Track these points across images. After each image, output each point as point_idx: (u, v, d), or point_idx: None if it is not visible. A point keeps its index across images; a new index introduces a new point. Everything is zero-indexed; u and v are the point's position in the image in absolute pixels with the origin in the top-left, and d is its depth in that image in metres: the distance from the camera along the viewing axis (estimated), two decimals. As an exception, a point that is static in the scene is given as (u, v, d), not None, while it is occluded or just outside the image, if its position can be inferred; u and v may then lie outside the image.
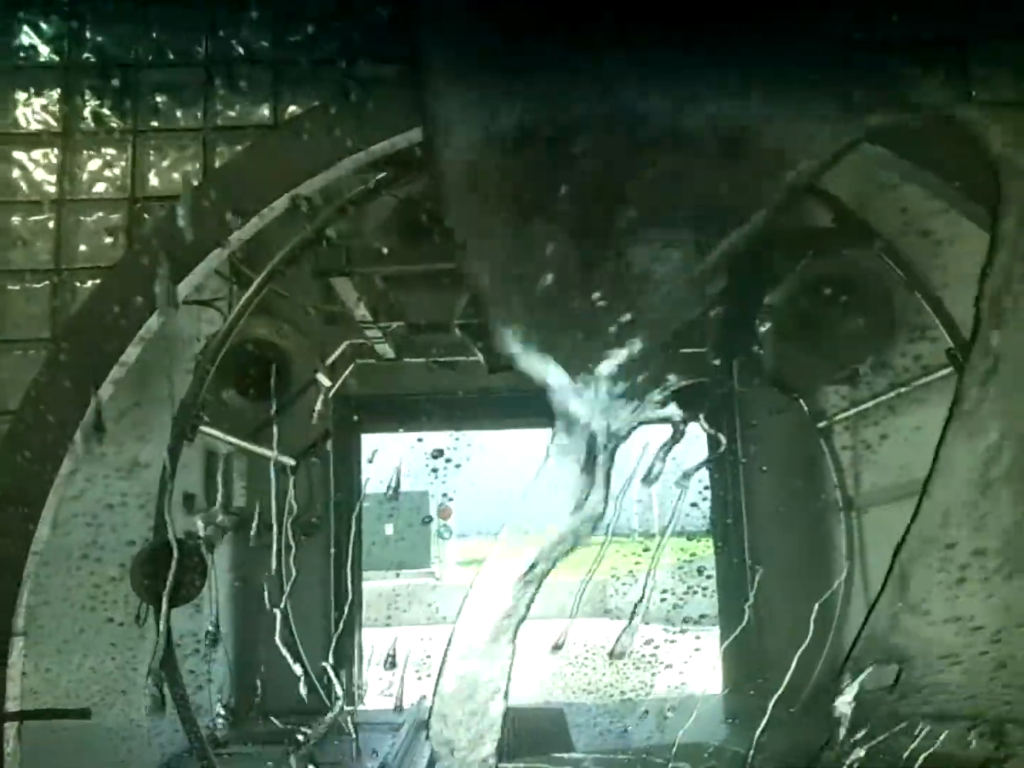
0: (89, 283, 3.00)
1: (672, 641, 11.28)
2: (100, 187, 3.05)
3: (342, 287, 5.59)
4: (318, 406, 6.40)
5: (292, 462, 7.14)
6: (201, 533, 6.97)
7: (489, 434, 10.88)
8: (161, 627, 4.59)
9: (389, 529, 18.46)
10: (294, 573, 7.39)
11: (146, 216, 3.03)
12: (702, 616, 10.98)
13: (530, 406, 7.89)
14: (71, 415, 2.86)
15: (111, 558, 5.02)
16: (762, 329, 6.51)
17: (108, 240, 3.01)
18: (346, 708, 7.98)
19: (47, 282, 2.97)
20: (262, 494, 7.65)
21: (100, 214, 3.02)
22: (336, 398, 7.94)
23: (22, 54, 3.09)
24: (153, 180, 3.06)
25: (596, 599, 15.94)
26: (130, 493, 5.46)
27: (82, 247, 3.02)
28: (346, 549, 8.37)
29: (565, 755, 6.74)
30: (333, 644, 8.05)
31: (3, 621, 2.73)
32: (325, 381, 6.46)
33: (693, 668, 9.51)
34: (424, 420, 8.98)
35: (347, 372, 7.52)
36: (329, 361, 6.77)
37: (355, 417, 8.36)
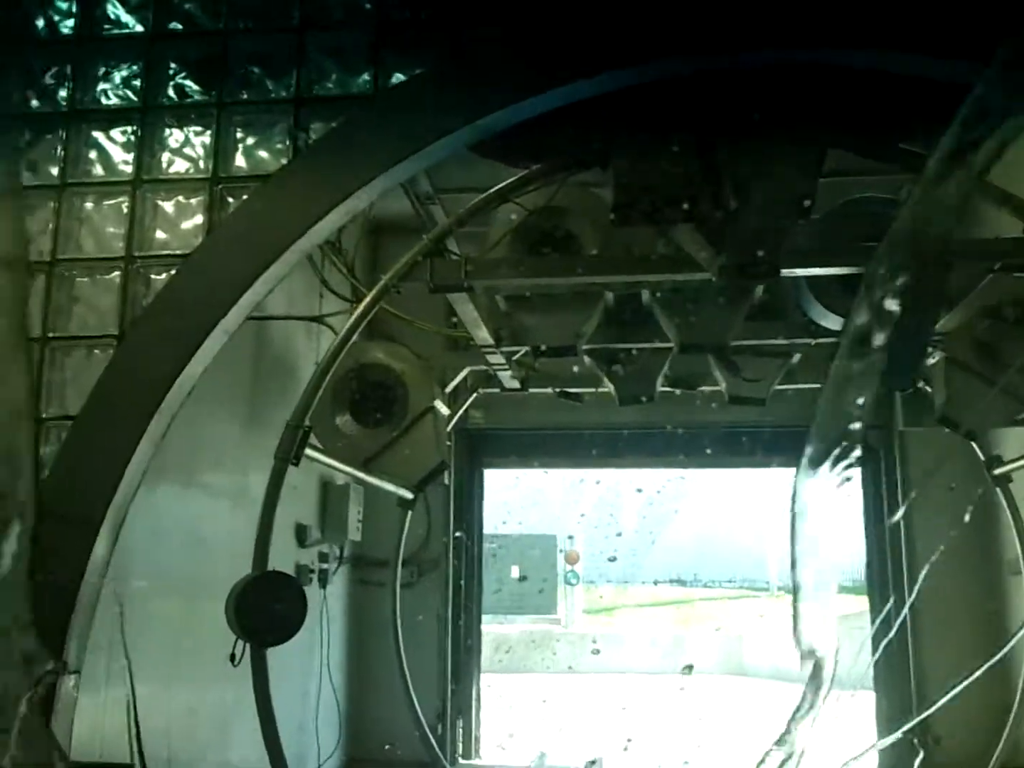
0: (164, 274, 2.65)
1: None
2: (180, 166, 2.70)
3: (461, 306, 5.19)
4: (437, 435, 5.98)
5: (409, 495, 6.74)
6: (313, 567, 6.66)
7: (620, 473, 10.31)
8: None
9: (515, 571, 18.02)
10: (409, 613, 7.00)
11: (229, 199, 2.66)
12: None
13: (663, 443, 7.35)
14: (137, 424, 2.49)
15: (211, 592, 4.70)
16: (931, 360, 5.76)
17: (187, 225, 2.66)
18: (460, 761, 7.50)
19: (117, 272, 2.63)
20: (378, 529, 7.32)
21: (179, 197, 2.67)
22: (456, 430, 7.56)
23: (106, 25, 2.79)
24: (238, 159, 2.70)
25: (732, 655, 15.02)
26: (237, 523, 5.16)
27: (158, 233, 2.68)
28: (466, 590, 7.93)
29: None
30: (450, 692, 7.59)
31: (49, 653, 2.35)
32: (443, 409, 6.06)
33: (839, 740, 8.62)
34: (548, 456, 8.52)
35: (469, 401, 7.14)
36: (449, 388, 6.37)
37: (476, 450, 7.97)
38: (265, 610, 4.22)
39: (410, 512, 7.03)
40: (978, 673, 3.79)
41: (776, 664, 15.14)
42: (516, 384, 6.72)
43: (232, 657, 4.31)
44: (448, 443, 6.44)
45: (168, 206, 2.67)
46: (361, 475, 6.01)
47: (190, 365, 2.54)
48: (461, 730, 7.61)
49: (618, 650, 16.12)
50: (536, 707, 11.14)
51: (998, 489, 6.45)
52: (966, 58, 2.52)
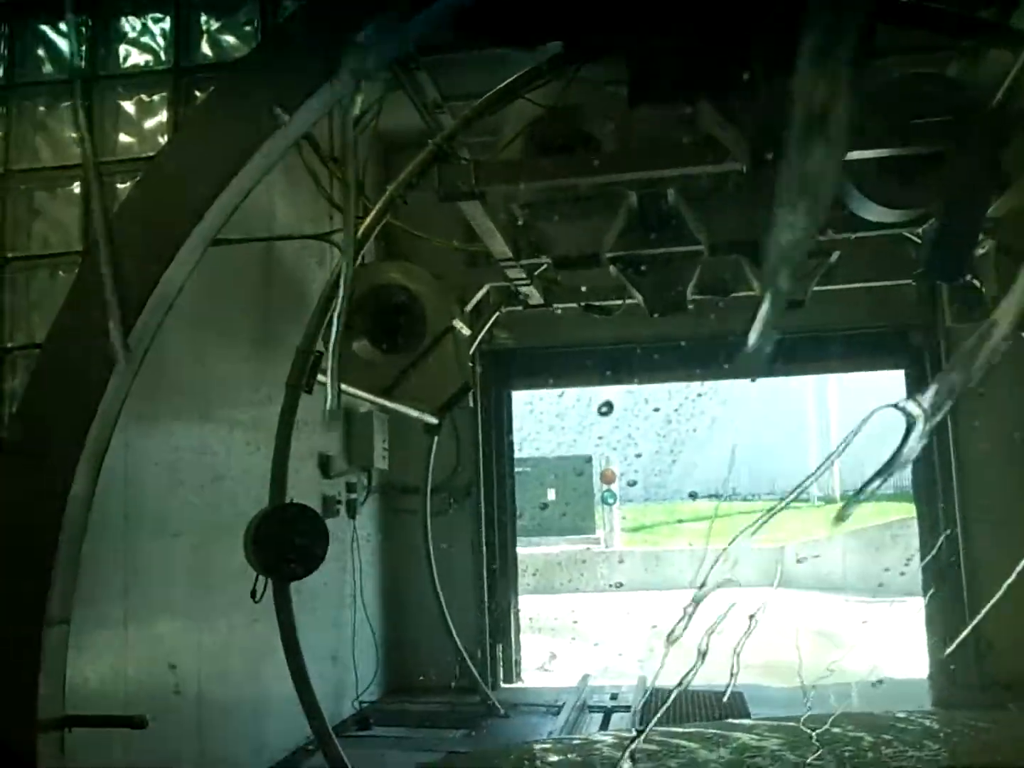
0: (130, 182, 2.37)
1: (864, 621, 10.19)
2: (138, 59, 2.41)
3: (474, 215, 4.88)
4: (459, 357, 5.72)
5: (434, 420, 6.53)
6: (340, 497, 6.50)
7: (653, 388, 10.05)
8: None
9: (551, 494, 17.93)
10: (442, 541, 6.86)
11: (196, 92, 2.37)
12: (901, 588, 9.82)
13: (697, 355, 7.04)
14: (108, 348, 2.24)
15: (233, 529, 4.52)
16: (981, 251, 5.36)
17: (151, 124, 2.38)
18: (502, 686, 7.42)
19: (78, 182, 2.36)
20: (407, 457, 7.13)
21: (141, 94, 2.39)
22: (481, 351, 7.31)
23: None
24: (204, 48, 2.40)
25: (774, 567, 14.86)
26: (258, 456, 4.96)
27: (122, 136, 2.40)
28: (498, 514, 7.76)
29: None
30: (487, 616, 7.48)
31: (32, 607, 2.15)
32: (464, 330, 5.79)
33: (891, 649, 8.44)
34: (580, 374, 8.23)
35: (491, 320, 6.86)
36: (469, 307, 6.09)
37: (503, 372, 7.71)
38: (284, 544, 4.04)
39: (436, 438, 6.84)
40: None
41: (818, 574, 15.00)
42: (539, 300, 6.42)
43: (253, 593, 4.16)
44: (472, 364, 6.18)
45: (129, 105, 2.38)
46: (382, 401, 5.78)
47: (165, 280, 2.28)
48: (501, 654, 7.50)
49: (658, 567, 16.06)
50: (580, 627, 11.08)
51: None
52: None
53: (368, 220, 4.32)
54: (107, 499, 3.95)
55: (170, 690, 4.19)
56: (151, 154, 2.36)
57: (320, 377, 4.55)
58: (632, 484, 18.33)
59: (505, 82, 4.25)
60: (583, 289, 6.46)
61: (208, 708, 4.48)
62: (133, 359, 2.29)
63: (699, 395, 13.10)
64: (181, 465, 4.45)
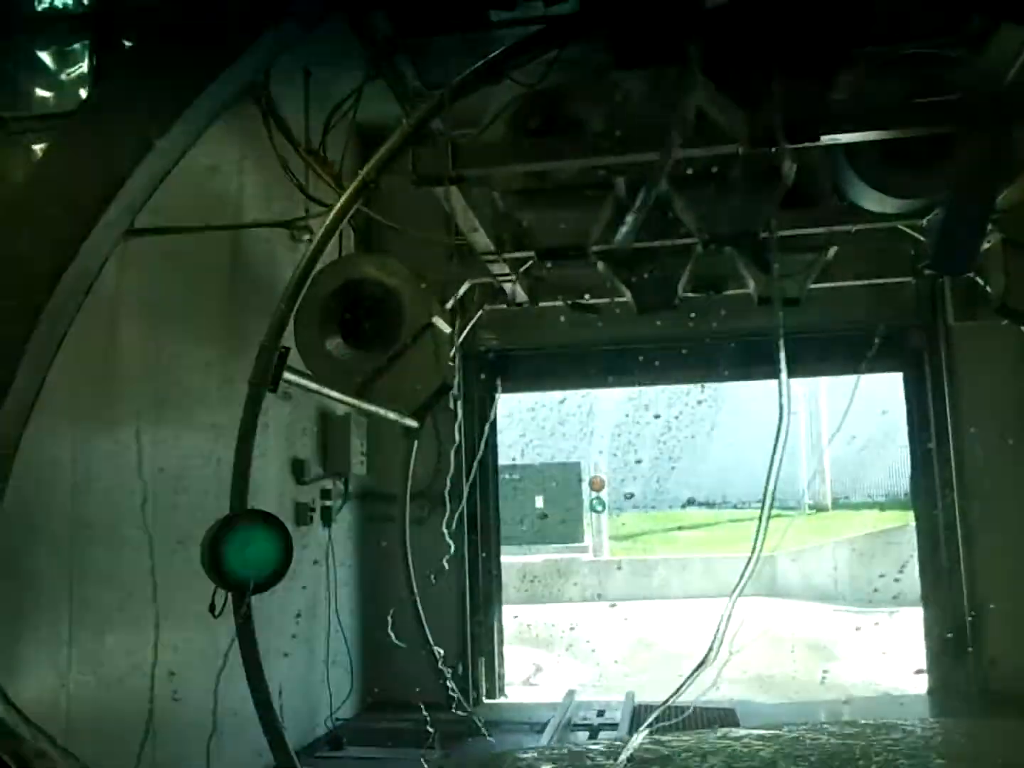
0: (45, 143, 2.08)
1: (857, 627, 9.93)
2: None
3: (455, 205, 4.59)
4: (438, 356, 5.42)
5: (414, 424, 6.23)
6: (314, 505, 6.19)
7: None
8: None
9: (539, 502, 17.61)
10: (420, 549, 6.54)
11: (125, 43, 2.07)
12: (895, 598, 9.56)
13: (685, 357, 6.75)
14: (16, 333, 1.95)
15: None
16: (987, 244, 5.09)
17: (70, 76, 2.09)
18: (485, 701, 7.11)
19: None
20: (387, 462, 6.83)
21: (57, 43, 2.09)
22: (465, 353, 7.02)
23: None
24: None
25: (765, 577, 14.60)
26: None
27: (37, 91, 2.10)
28: (483, 522, 7.46)
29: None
30: (470, 628, 7.17)
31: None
32: (444, 327, 5.48)
33: (885, 660, 8.17)
34: (568, 377, 7.96)
35: (475, 319, 6.57)
36: (450, 304, 5.79)
37: (488, 374, 7.41)
38: (243, 555, 3.74)
39: (416, 442, 6.53)
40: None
41: (810, 583, 14.72)
42: (524, 298, 6.13)
43: (212, 608, 3.85)
44: (452, 364, 5.88)
45: (45, 55, 2.08)
46: (358, 403, 5.48)
47: (82, 254, 1.98)
48: (484, 668, 7.20)
49: (647, 576, 15.76)
50: (566, 638, 10.81)
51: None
52: None
53: (338, 205, 4.03)
54: (51, 508, 3.66)
55: (118, 707, 3.88)
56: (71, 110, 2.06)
57: (288, 375, 4.27)
58: (629, 496, 18.05)
59: (484, 59, 3.97)
60: (570, 287, 6.20)
61: (162, 727, 4.15)
62: (45, 342, 1.98)
63: (699, 402, 12.90)
64: (135, 471, 4.14)
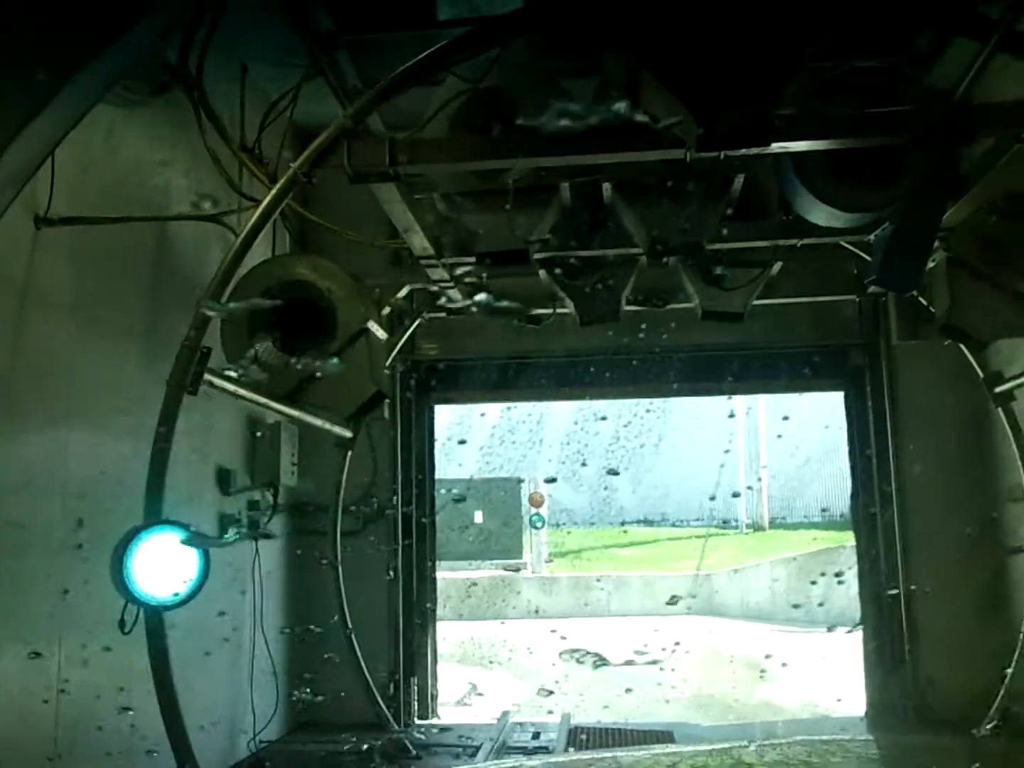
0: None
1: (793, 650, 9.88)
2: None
3: (392, 205, 4.41)
4: (372, 362, 5.21)
5: (348, 434, 6.00)
6: (241, 516, 5.92)
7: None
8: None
9: (478, 517, 17.42)
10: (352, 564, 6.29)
11: None
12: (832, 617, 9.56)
13: (632, 370, 6.64)
14: None
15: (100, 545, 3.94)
16: (931, 264, 5.04)
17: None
18: (416, 722, 6.87)
19: None
20: (319, 473, 6.57)
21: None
22: (403, 361, 6.82)
23: None
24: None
25: (703, 596, 14.59)
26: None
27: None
28: (418, 536, 7.23)
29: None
30: (401, 647, 6.93)
31: None
32: (380, 333, 5.28)
33: (825, 682, 8.13)
34: (508, 389, 7.78)
35: (414, 325, 6.38)
36: (387, 309, 5.59)
37: (425, 384, 7.20)
38: (155, 567, 3.50)
39: (349, 453, 6.30)
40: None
41: (746, 602, 14.74)
42: (463, 304, 5.95)
43: (122, 624, 3.60)
44: (387, 371, 5.68)
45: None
46: (289, 410, 5.23)
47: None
48: (416, 687, 6.96)
49: (586, 593, 15.65)
50: (500, 654, 10.64)
51: (999, 409, 5.84)
52: None
53: (267, 199, 3.82)
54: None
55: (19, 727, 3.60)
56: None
57: (211, 378, 4.04)
58: (550, 480, 18.06)
59: (424, 53, 3.81)
60: (511, 295, 6.03)
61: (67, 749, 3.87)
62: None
63: (648, 410, 13.00)
64: (42, 474, 3.87)
